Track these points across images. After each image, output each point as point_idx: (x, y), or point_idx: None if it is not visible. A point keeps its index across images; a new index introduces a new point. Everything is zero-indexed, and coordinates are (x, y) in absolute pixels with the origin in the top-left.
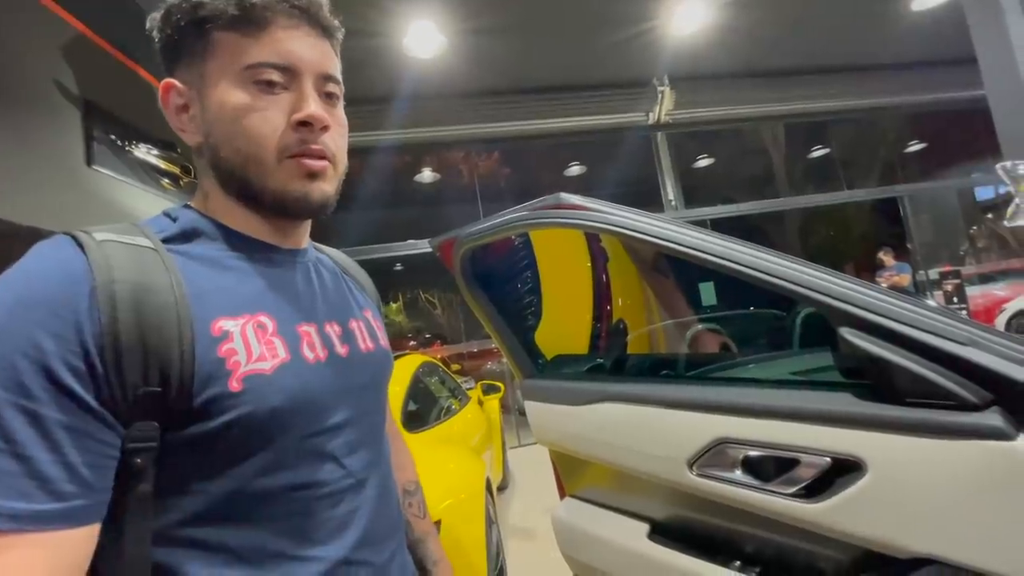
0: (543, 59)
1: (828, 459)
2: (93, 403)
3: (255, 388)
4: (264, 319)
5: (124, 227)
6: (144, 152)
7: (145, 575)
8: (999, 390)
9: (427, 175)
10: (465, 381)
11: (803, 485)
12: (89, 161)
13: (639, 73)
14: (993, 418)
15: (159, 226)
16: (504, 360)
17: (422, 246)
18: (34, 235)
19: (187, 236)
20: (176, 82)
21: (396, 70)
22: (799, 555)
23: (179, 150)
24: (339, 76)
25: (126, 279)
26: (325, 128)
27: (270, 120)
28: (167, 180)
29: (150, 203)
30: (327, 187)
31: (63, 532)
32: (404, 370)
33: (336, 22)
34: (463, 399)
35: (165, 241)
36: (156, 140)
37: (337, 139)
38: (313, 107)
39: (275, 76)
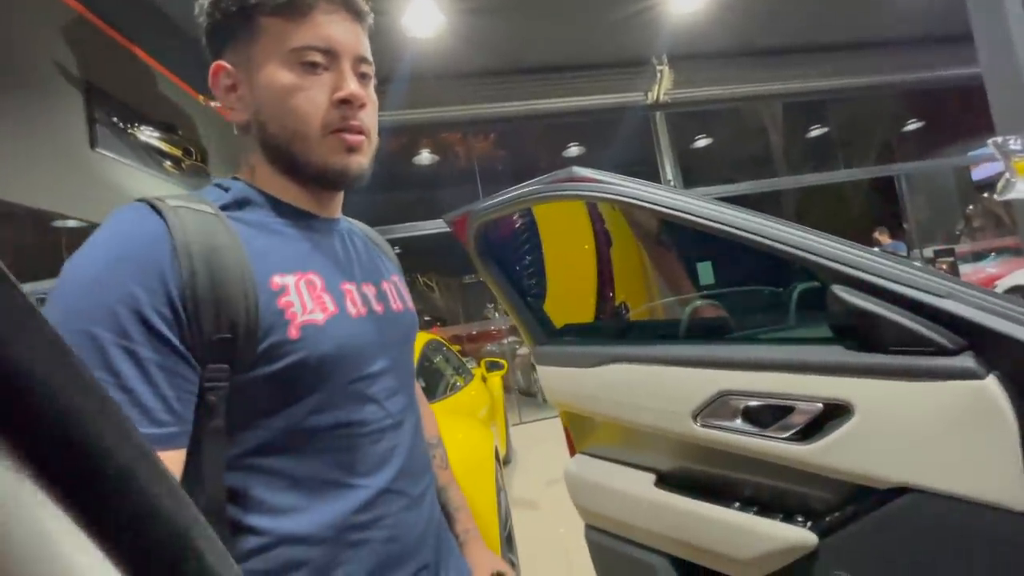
0: (542, 39)
1: (820, 405)
2: (179, 346)
3: (310, 336)
4: (313, 277)
5: (188, 196)
6: (147, 135)
7: (220, 496)
8: (972, 336)
9: (425, 157)
10: (466, 361)
11: (797, 429)
12: (93, 144)
13: (638, 52)
14: (966, 361)
15: (215, 195)
16: (505, 341)
17: (421, 228)
18: (41, 217)
19: (239, 204)
20: (225, 64)
21: (395, 50)
22: (792, 495)
23: (180, 133)
24: (371, 58)
25: (199, 240)
26: (363, 106)
27: (314, 99)
28: (169, 163)
29: (153, 185)
30: (363, 160)
31: (161, 453)
32: None
33: (367, 7)
34: (467, 376)
35: (221, 209)
36: (158, 123)
37: (371, 115)
38: (353, 86)
39: (318, 58)
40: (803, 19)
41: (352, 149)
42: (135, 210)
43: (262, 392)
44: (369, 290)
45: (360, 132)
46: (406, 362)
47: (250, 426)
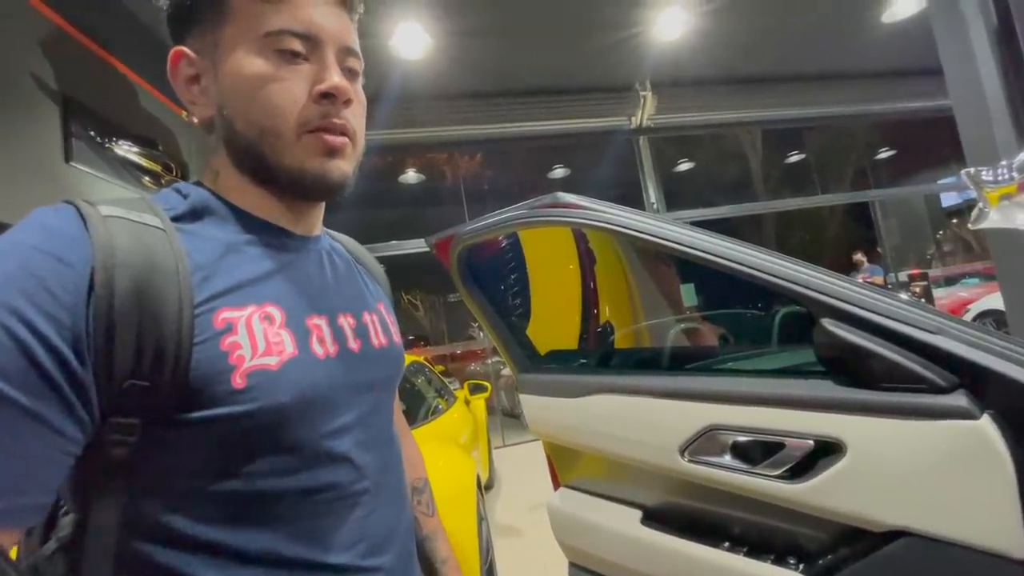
0: (528, 62)
1: (811, 442)
2: (68, 392)
3: (260, 385)
4: (272, 310)
5: (133, 202)
6: (124, 149)
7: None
8: (964, 374)
9: (411, 176)
10: (450, 382)
11: (788, 467)
12: (68, 157)
13: (622, 78)
14: (959, 400)
15: (169, 202)
16: (489, 361)
17: (406, 247)
18: None
19: (197, 214)
20: (187, 50)
21: (382, 71)
22: (783, 535)
23: (161, 148)
24: (359, 52)
25: (128, 262)
26: (348, 102)
27: (290, 91)
28: (148, 178)
29: None
30: (346, 166)
31: None
32: None
33: None
34: (450, 398)
35: (175, 219)
36: (136, 137)
37: (357, 116)
38: (337, 78)
39: (297, 45)
40: (781, 50)
41: (333, 152)
42: (56, 216)
43: (204, 451)
44: (347, 322)
45: (343, 133)
46: (385, 408)
47: (190, 491)
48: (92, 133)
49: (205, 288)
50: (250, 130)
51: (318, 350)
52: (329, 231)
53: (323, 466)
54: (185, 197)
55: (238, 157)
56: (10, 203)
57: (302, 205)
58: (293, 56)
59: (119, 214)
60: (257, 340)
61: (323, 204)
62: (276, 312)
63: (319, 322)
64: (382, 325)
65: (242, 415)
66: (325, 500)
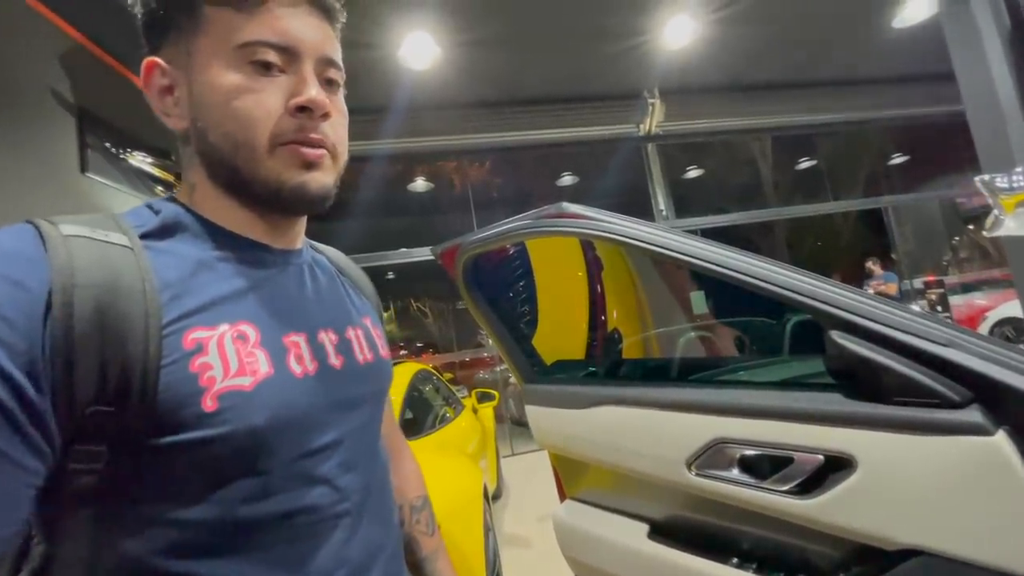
0: (537, 71)
1: (820, 456)
2: (24, 423)
3: (233, 407)
4: (246, 328)
5: (99, 219)
6: (139, 160)
7: None
8: (978, 388)
9: (420, 184)
10: (458, 390)
11: (797, 482)
12: (83, 168)
13: (630, 86)
14: (973, 415)
15: (139, 219)
16: (497, 369)
17: (414, 255)
18: None
19: (169, 231)
20: (160, 61)
21: (391, 81)
22: (794, 551)
23: (173, 158)
24: (340, 62)
25: (89, 282)
26: (325, 115)
27: (264, 103)
28: (161, 188)
29: None
30: (325, 178)
31: None
32: (400, 378)
33: (339, 4)
34: (458, 407)
35: (144, 236)
36: (151, 148)
37: (337, 128)
38: (314, 91)
39: (272, 57)
40: (790, 56)
41: (310, 165)
42: (13, 237)
43: (174, 477)
44: (328, 338)
45: (321, 146)
46: (369, 425)
47: (162, 519)
48: (107, 144)
49: (174, 307)
50: (224, 143)
51: (295, 369)
52: (313, 243)
53: (301, 488)
54: (157, 213)
55: (212, 169)
56: (27, 212)
57: (279, 219)
58: (269, 68)
59: (83, 233)
60: (229, 360)
61: (304, 217)
62: (250, 330)
63: (297, 339)
64: (368, 340)
65: (214, 439)
66: (303, 524)
